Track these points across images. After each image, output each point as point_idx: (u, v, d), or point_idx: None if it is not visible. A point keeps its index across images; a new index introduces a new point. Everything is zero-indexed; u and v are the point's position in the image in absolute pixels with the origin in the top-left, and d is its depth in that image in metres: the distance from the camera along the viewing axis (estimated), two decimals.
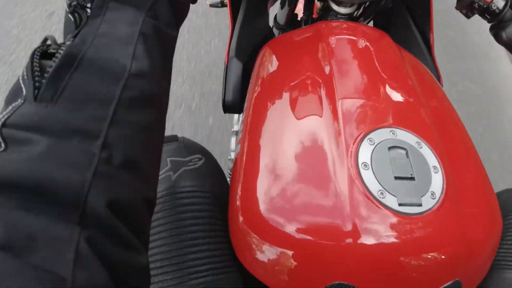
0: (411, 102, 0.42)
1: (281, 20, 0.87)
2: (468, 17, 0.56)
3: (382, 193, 0.33)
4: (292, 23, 0.84)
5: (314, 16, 0.64)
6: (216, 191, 0.42)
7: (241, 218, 0.37)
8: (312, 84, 0.43)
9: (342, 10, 0.60)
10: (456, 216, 0.34)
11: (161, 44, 0.28)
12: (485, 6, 0.53)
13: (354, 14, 0.64)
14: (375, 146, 0.36)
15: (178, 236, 0.37)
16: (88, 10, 0.26)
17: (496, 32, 0.55)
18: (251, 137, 0.42)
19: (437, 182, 0.34)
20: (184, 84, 1.45)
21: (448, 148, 0.39)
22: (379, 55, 0.48)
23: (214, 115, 1.37)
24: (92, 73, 0.23)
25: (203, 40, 1.63)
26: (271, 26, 0.86)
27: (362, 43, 0.50)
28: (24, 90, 0.21)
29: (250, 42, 0.67)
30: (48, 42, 0.24)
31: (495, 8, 0.52)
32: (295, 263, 0.33)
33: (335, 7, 0.60)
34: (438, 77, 0.66)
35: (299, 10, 0.79)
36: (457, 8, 0.57)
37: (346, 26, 0.54)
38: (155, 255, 0.36)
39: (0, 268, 0.15)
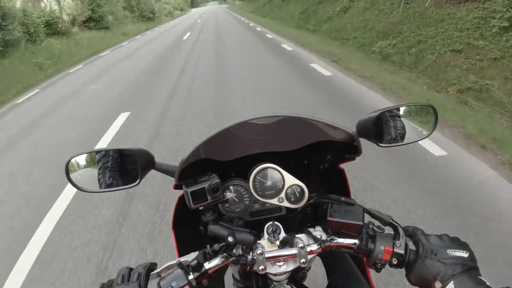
0: None
1: (237, 275, 0.97)
2: (378, 271, 0.62)
3: None
4: (246, 275, 0.92)
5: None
6: None
7: None
8: None
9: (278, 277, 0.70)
10: None
11: None
12: (386, 263, 0.60)
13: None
14: None
15: None
16: None
17: (406, 274, 0.61)
18: None
19: None
20: None
21: None
22: None
23: None
24: None
25: None
26: None
27: None
28: None
29: None
30: None
31: (395, 262, 0.59)
32: None
33: (272, 276, 0.70)
34: None
35: None
36: (368, 265, 0.64)
37: None
38: None
39: None
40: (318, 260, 0.91)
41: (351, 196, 0.79)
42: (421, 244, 0.58)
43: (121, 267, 0.61)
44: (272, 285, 0.71)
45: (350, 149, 0.74)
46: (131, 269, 0.61)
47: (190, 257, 0.64)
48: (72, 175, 0.70)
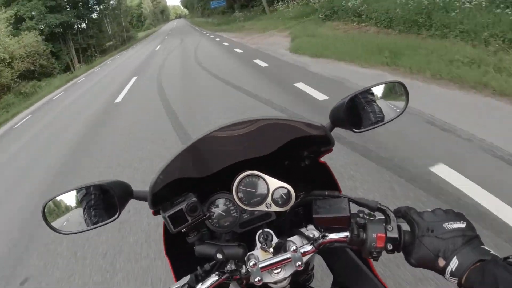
0: None
1: None
2: (375, 259, 0.59)
3: None
4: None
5: None
6: None
7: None
8: None
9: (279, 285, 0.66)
10: None
11: None
12: (382, 250, 0.57)
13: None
14: None
15: None
16: None
17: (405, 257, 0.57)
18: None
19: None
20: None
21: None
22: None
23: None
24: None
25: None
26: None
27: None
28: None
29: None
30: None
31: (391, 247, 0.56)
32: None
33: (273, 286, 0.66)
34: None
35: None
36: (364, 255, 0.61)
37: None
38: None
39: None
40: (320, 258, 0.88)
41: (340, 187, 0.78)
42: (415, 223, 0.56)
43: None
44: None
45: (324, 141, 0.72)
46: None
47: (181, 283, 0.61)
48: (50, 219, 0.66)
